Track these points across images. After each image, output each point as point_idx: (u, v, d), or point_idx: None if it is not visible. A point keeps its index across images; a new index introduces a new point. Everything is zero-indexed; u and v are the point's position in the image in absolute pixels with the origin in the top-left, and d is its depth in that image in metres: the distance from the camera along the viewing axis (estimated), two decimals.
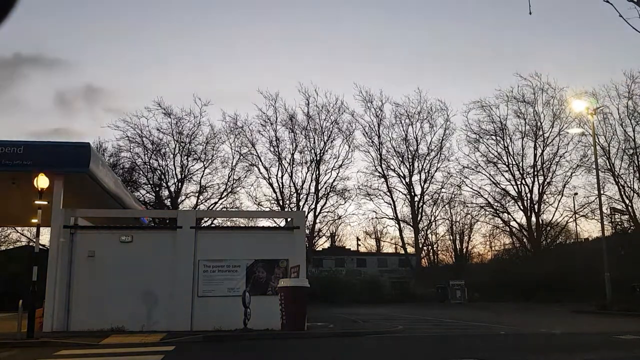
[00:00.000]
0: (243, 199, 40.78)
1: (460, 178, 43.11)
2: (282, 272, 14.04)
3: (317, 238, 42.92)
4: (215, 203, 39.25)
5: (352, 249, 49.44)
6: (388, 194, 43.76)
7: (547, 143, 40.76)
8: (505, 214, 42.23)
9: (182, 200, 39.59)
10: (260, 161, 40.84)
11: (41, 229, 12.39)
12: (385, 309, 27.53)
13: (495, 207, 42.25)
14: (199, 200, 39.26)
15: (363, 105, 44.41)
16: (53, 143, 14.18)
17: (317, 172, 41.39)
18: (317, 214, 41.34)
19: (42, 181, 11.56)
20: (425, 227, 44.66)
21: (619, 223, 37.64)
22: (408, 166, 43.86)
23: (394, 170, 44.05)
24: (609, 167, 37.44)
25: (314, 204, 41.20)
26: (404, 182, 43.98)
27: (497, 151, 41.93)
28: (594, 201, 36.78)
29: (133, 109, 61.58)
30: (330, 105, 42.41)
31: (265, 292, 13.89)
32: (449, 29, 72.56)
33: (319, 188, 41.34)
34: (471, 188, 42.80)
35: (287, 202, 40.62)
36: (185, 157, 39.28)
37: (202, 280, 13.83)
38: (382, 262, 47.48)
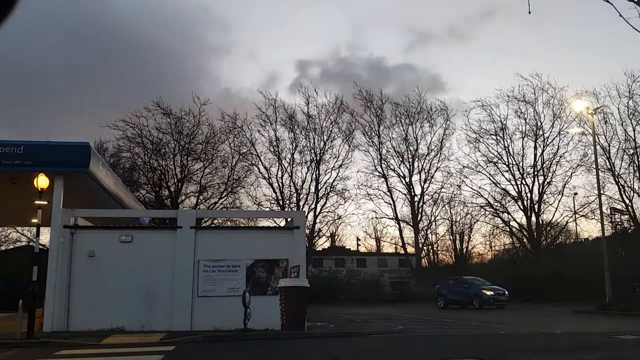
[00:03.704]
0: (243, 198, 40.73)
1: (460, 178, 43.08)
2: (282, 272, 14.04)
3: (317, 238, 42.89)
4: (215, 203, 39.22)
5: (352, 249, 49.40)
6: (388, 193, 43.76)
7: (547, 143, 40.73)
8: (505, 214, 42.20)
9: (182, 200, 39.57)
10: (260, 161, 40.84)
11: (41, 229, 12.39)
12: (385, 309, 27.53)
13: (495, 207, 42.21)
14: (199, 200, 39.25)
15: (363, 105, 44.46)
16: (53, 143, 14.17)
17: (317, 172, 41.38)
18: (317, 214, 41.33)
19: (42, 181, 11.56)
20: (425, 227, 44.64)
21: (619, 223, 37.61)
22: (408, 166, 43.86)
23: (393, 170, 44.06)
24: (609, 167, 37.41)
25: (314, 204, 41.20)
26: (404, 182, 43.98)
27: (497, 151, 41.92)
28: (594, 201, 36.74)
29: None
30: (330, 105, 42.45)
31: (265, 292, 13.89)
32: (449, 29, 72.63)
33: (319, 188, 41.32)
34: (471, 188, 42.78)
35: (287, 202, 40.60)
36: (185, 156, 39.27)
37: (202, 280, 13.83)
38: (382, 262, 47.46)
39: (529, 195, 41.11)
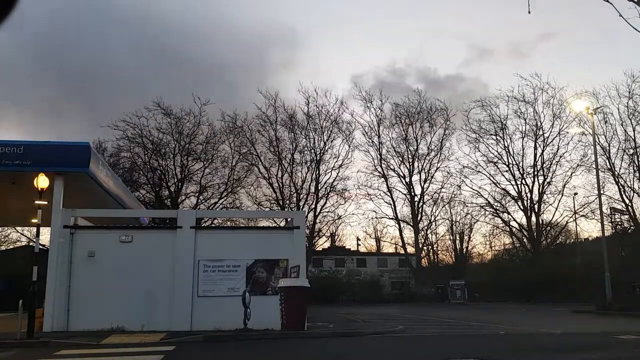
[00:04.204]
0: (243, 198, 40.75)
1: (460, 178, 43.17)
2: (282, 272, 14.04)
3: (317, 238, 42.92)
4: (215, 203, 39.21)
5: (352, 249, 49.43)
6: (388, 194, 43.82)
7: (547, 143, 40.81)
8: (505, 214, 42.27)
9: (182, 200, 39.55)
10: (260, 161, 40.85)
11: (41, 229, 12.39)
12: (385, 309, 27.54)
13: (495, 207, 42.27)
14: (199, 200, 39.24)
15: (363, 105, 44.50)
16: (53, 143, 14.18)
17: (317, 172, 41.43)
18: (317, 214, 41.36)
19: (42, 181, 11.56)
20: (425, 227, 44.74)
21: (619, 223, 37.62)
22: (408, 166, 43.92)
23: (393, 170, 44.14)
24: (609, 167, 37.45)
25: (314, 203, 41.22)
26: (404, 182, 44.05)
27: (497, 151, 42.00)
28: (594, 201, 36.81)
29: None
30: (330, 105, 42.48)
31: (265, 292, 13.89)
32: (449, 29, 72.64)
33: (319, 188, 41.37)
34: (471, 188, 42.85)
35: (287, 202, 40.62)
36: (185, 157, 39.24)
37: (202, 280, 13.83)
38: (382, 262, 47.50)
39: (529, 195, 41.16)
